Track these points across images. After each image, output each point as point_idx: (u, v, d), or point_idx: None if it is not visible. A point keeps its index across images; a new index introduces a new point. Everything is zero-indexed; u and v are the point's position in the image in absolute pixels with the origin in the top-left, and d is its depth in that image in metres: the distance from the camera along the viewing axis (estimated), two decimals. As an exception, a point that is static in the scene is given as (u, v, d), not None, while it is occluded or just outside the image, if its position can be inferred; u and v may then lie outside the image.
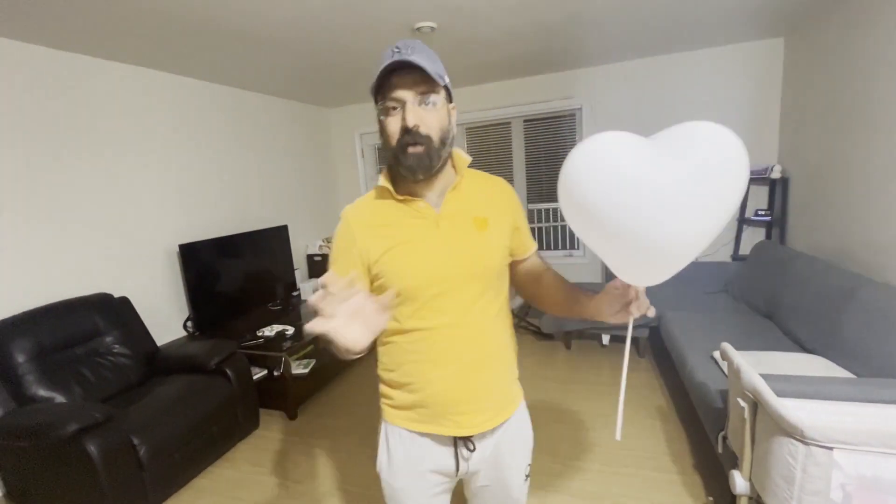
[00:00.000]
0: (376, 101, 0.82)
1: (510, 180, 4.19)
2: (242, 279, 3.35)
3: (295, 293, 3.83)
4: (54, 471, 1.80)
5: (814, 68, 2.87)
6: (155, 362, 2.46)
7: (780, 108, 3.37)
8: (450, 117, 0.85)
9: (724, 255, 3.66)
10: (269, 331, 2.91)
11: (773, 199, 3.37)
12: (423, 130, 0.79)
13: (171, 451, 1.99)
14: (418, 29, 2.51)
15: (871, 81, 2.29)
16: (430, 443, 0.93)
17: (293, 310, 3.44)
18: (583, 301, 0.91)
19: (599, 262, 4.06)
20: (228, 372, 2.38)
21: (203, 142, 3.27)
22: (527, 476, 1.03)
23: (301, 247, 4.22)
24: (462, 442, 0.92)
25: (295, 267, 3.96)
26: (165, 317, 2.94)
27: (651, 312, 0.82)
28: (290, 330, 2.91)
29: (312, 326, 0.61)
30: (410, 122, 0.78)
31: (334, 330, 0.61)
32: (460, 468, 0.94)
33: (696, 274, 3.39)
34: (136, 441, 1.87)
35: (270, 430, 2.58)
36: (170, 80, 3.01)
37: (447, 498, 1.02)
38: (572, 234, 4.21)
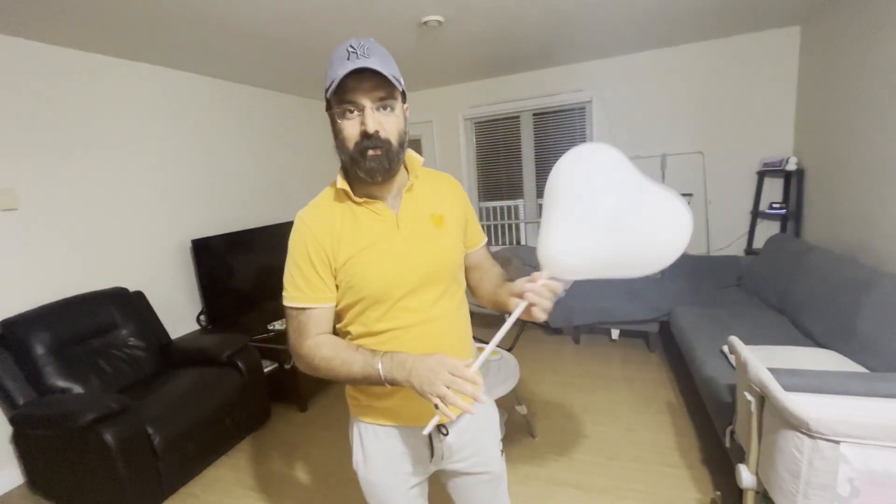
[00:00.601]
0: (330, 103, 0.81)
1: (519, 175, 4.26)
2: (254, 274, 3.40)
3: (305, 288, 3.87)
4: (73, 459, 1.86)
5: (831, 57, 2.80)
6: (169, 355, 2.52)
7: (796, 97, 3.30)
8: (405, 119, 0.86)
9: (738, 249, 3.60)
10: (280, 324, 2.95)
11: (788, 191, 3.31)
12: (383, 135, 0.80)
13: (184, 440, 2.04)
14: (425, 23, 2.51)
15: (889, 70, 2.22)
16: (403, 434, 0.94)
17: (304, 304, 3.47)
18: (506, 285, 0.93)
19: (609, 257, 4.03)
20: (240, 364, 2.42)
21: (215, 139, 3.32)
22: (501, 451, 1.06)
23: (311, 242, 4.26)
24: (436, 429, 0.93)
25: (305, 262, 4.00)
26: (179, 310, 3.01)
27: (541, 318, 0.82)
28: (301, 324, 2.94)
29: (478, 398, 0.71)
30: (371, 128, 0.78)
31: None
32: (435, 453, 0.95)
33: (708, 268, 3.35)
34: (150, 430, 1.92)
35: (281, 422, 2.62)
36: (182, 78, 3.06)
37: (424, 491, 1.03)
38: (582, 229, 4.17)
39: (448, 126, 4.42)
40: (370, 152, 0.79)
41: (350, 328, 0.92)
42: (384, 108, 0.80)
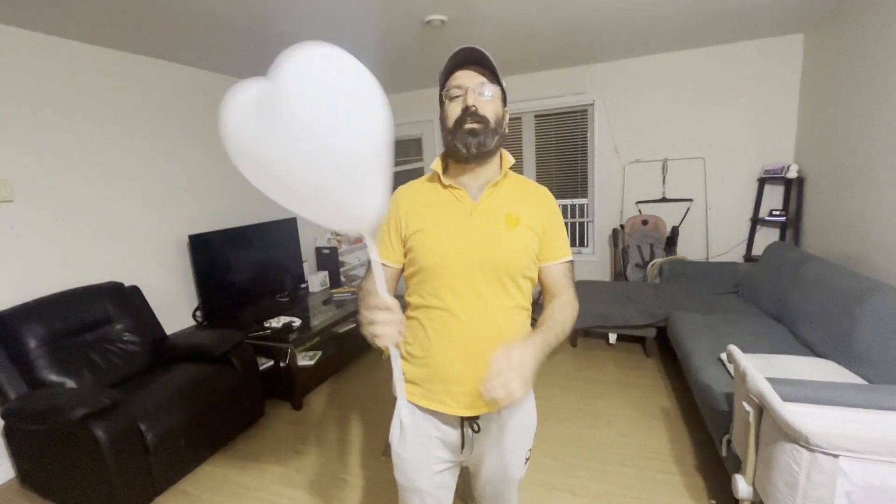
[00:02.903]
0: (442, 89, 0.95)
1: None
2: (251, 271, 3.38)
3: (303, 285, 3.86)
4: (63, 454, 1.84)
5: (833, 66, 2.80)
6: (163, 350, 2.50)
7: (798, 106, 3.29)
8: (503, 113, 0.96)
9: (737, 256, 3.60)
10: (277, 322, 2.93)
11: (789, 199, 3.30)
12: (481, 111, 0.90)
13: (176, 436, 2.02)
14: (428, 22, 2.49)
15: (891, 80, 2.21)
16: (438, 420, 0.99)
17: (301, 302, 3.46)
18: None
19: (608, 261, 4.03)
20: (234, 361, 2.40)
21: (214, 133, 3.29)
22: (527, 459, 1.09)
23: (310, 239, 4.24)
24: (468, 422, 0.98)
25: (303, 259, 3.98)
26: (175, 306, 2.99)
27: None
28: (297, 322, 2.93)
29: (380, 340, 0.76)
30: (470, 102, 0.90)
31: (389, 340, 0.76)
32: (465, 446, 1.00)
33: (706, 274, 3.35)
34: (143, 426, 1.90)
35: (275, 420, 2.61)
36: (182, 72, 3.04)
37: (453, 476, 1.07)
38: (582, 231, 4.17)
39: (449, 126, 4.40)
40: (468, 125, 0.90)
41: (411, 298, 1.01)
42: (483, 94, 0.91)
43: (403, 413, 0.99)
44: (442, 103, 0.96)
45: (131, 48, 2.64)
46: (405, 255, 0.99)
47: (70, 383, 2.07)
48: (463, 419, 0.98)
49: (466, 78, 0.91)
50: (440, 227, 0.95)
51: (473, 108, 0.90)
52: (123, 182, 2.69)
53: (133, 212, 2.75)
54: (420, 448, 1.01)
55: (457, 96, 0.92)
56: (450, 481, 1.07)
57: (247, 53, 2.89)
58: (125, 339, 2.39)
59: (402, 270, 1.02)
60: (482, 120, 0.90)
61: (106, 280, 2.50)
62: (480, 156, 0.94)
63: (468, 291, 0.93)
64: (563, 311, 0.96)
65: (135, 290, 2.59)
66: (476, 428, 0.98)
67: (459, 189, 0.96)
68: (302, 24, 2.44)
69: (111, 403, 1.81)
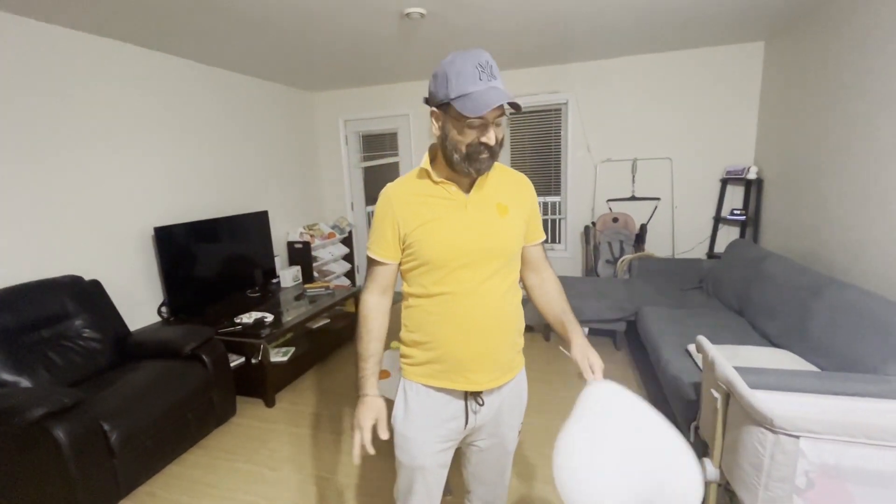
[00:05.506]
0: (443, 105, 0.92)
1: (495, 172, 4.25)
2: (220, 265, 3.28)
3: (274, 280, 3.77)
4: (20, 458, 1.73)
5: (792, 73, 2.96)
6: (127, 347, 2.39)
7: (758, 110, 3.46)
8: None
9: (700, 252, 3.76)
10: (248, 318, 2.86)
11: (749, 199, 3.48)
12: (494, 144, 0.94)
13: (143, 437, 1.94)
14: (408, 14, 2.47)
15: (846, 88, 2.37)
16: (444, 397, 1.05)
17: (272, 297, 3.38)
18: (566, 334, 1.12)
19: (580, 257, 4.13)
20: (204, 358, 2.32)
21: (182, 122, 3.16)
22: (519, 431, 1.20)
23: (281, 233, 4.15)
24: (472, 397, 1.05)
25: (275, 254, 3.89)
26: (139, 301, 2.86)
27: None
28: (269, 317, 2.87)
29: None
30: (492, 142, 0.93)
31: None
32: (469, 421, 1.06)
33: (672, 270, 3.48)
34: (106, 427, 1.81)
35: (247, 418, 2.54)
36: (149, 57, 2.90)
37: (450, 455, 1.13)
38: (555, 228, 4.26)
39: (426, 121, 4.38)
40: (483, 156, 0.94)
41: (411, 290, 1.05)
42: (498, 123, 0.95)
43: (409, 393, 1.07)
44: (444, 119, 0.94)
45: (93, 30, 2.50)
46: (403, 251, 1.03)
47: (25, 382, 1.95)
48: (467, 394, 1.05)
49: (492, 113, 0.91)
50: (438, 222, 0.99)
51: (493, 144, 0.94)
52: (84, 171, 2.54)
53: (95, 202, 2.60)
54: (424, 427, 1.06)
55: (475, 125, 0.91)
56: (448, 459, 1.12)
57: (219, 40, 2.79)
58: (85, 335, 2.27)
59: (399, 265, 1.07)
60: (494, 151, 0.96)
61: (64, 273, 2.36)
62: None
63: (469, 278, 0.99)
64: (562, 294, 1.16)
65: (95, 285, 2.46)
66: (481, 402, 1.05)
67: (450, 184, 1.01)
68: (276, 11, 2.38)
69: (72, 403, 1.72)
